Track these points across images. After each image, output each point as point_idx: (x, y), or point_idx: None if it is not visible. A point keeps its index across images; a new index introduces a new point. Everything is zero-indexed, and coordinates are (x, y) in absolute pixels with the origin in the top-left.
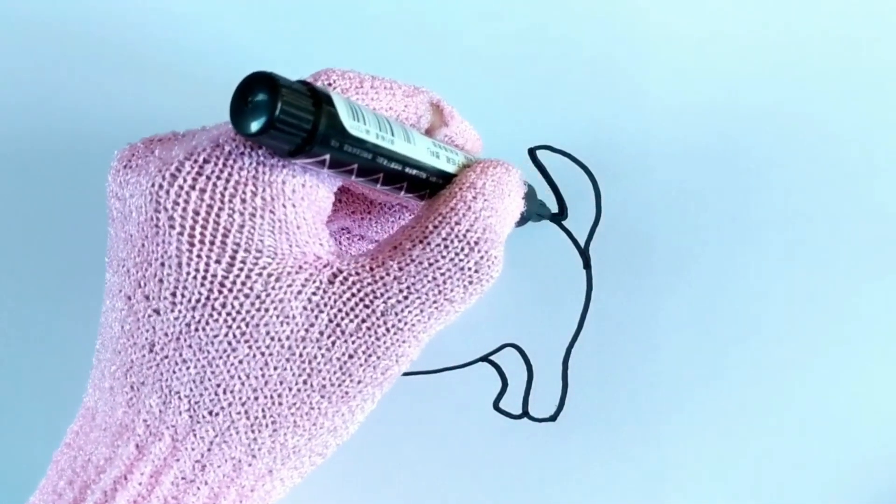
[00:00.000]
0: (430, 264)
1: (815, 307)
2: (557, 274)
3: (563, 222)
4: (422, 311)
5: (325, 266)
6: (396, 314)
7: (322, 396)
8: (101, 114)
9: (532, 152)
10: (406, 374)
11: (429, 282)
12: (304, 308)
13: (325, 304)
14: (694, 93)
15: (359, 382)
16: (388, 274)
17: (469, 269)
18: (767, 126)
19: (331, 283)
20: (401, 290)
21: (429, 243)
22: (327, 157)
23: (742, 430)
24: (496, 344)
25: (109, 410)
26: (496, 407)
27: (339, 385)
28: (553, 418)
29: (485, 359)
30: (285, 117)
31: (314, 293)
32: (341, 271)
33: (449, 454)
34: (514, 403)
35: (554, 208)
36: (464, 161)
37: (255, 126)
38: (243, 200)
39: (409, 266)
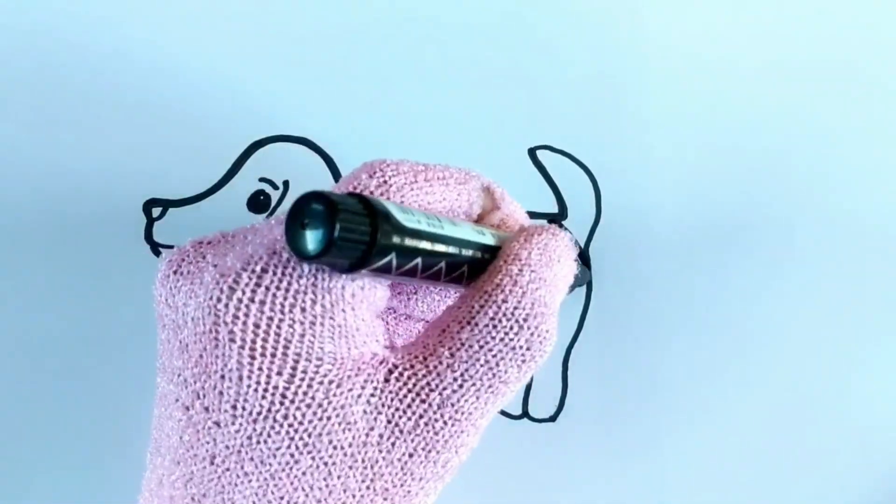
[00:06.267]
0: (481, 347)
1: (815, 307)
2: None
3: (563, 222)
4: (477, 398)
5: (380, 363)
6: (453, 405)
7: (385, 499)
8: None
9: (532, 152)
10: None
11: (481, 366)
12: (364, 412)
13: (384, 405)
14: (694, 93)
15: (420, 479)
16: (440, 363)
17: (521, 347)
18: (767, 126)
19: (387, 381)
20: (455, 380)
21: (476, 324)
22: (389, 259)
23: (742, 430)
24: None
25: None
26: None
27: (402, 485)
28: (553, 418)
29: None
30: (344, 239)
31: (372, 395)
32: (396, 367)
33: None
34: (514, 403)
35: (554, 209)
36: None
37: (312, 249)
38: (303, 309)
39: (460, 351)
